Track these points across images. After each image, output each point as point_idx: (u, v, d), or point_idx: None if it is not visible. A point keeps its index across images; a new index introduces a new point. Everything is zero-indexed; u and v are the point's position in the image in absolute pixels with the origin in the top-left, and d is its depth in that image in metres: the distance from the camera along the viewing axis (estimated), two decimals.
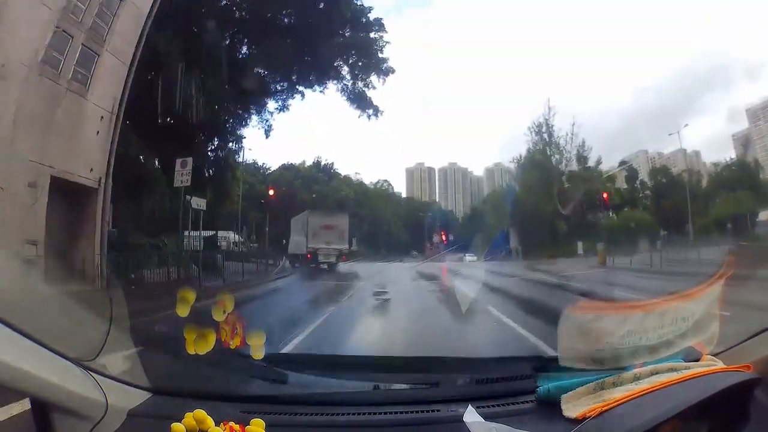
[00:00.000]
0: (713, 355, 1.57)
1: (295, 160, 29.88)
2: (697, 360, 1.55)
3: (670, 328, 1.52)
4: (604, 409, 1.30)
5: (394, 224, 28.39)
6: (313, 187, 27.31)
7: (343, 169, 29.56)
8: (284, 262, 18.76)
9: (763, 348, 1.50)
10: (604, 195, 25.06)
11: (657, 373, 1.44)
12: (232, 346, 1.64)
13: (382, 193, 29.94)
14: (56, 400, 1.24)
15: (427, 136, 37.89)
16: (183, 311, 1.67)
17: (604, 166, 26.66)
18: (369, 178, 30.65)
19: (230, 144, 20.53)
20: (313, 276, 16.93)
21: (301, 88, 21.42)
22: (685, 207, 23.44)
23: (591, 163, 25.99)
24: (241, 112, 19.65)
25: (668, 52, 34.21)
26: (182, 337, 1.61)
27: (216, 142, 19.21)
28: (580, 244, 24.03)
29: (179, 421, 1.33)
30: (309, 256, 16.85)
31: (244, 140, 21.50)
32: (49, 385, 1.20)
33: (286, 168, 28.84)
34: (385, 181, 31.12)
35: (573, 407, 1.38)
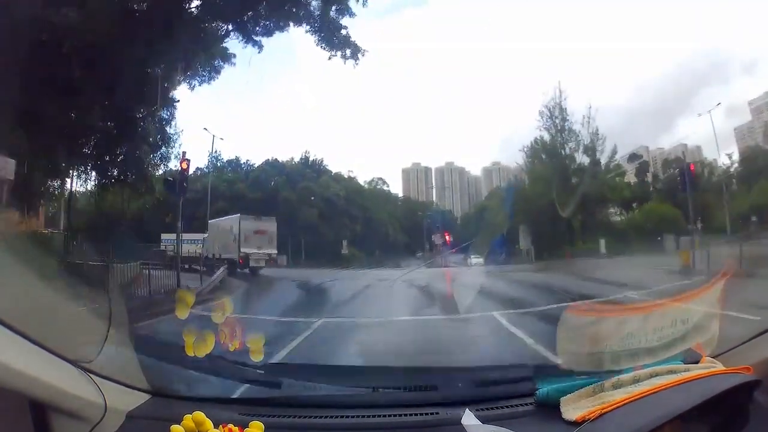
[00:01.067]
0: (713, 357, 1.57)
1: (285, 158, 26.84)
2: (697, 362, 1.55)
3: (670, 330, 1.52)
4: (603, 411, 1.29)
5: (390, 225, 26.26)
6: (298, 184, 24.36)
7: (335, 168, 26.53)
8: (221, 273, 14.27)
9: (763, 350, 1.50)
10: (691, 167, 20.65)
11: (656, 376, 1.43)
12: (231, 349, 1.64)
13: (377, 192, 27.60)
14: (55, 401, 1.23)
15: (423, 136, 37.28)
16: (182, 313, 1.67)
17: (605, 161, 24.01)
18: (363, 177, 27.86)
19: (153, 108, 14.20)
20: (246, 304, 11.07)
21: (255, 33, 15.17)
22: (706, 200, 20.91)
23: (606, 153, 23.21)
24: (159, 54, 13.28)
25: (665, 47, 33.79)
26: (181, 339, 1.62)
27: (119, 97, 12.62)
28: (602, 242, 20.98)
29: (178, 423, 1.33)
30: (241, 261, 16.62)
31: (176, 104, 15.89)
32: (48, 387, 1.20)
33: (270, 164, 25.68)
34: (380, 179, 28.08)
35: (572, 410, 1.38)
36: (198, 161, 25.29)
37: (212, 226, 19.11)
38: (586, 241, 21.46)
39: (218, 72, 16.29)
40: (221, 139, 22.24)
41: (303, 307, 10.58)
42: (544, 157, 23.31)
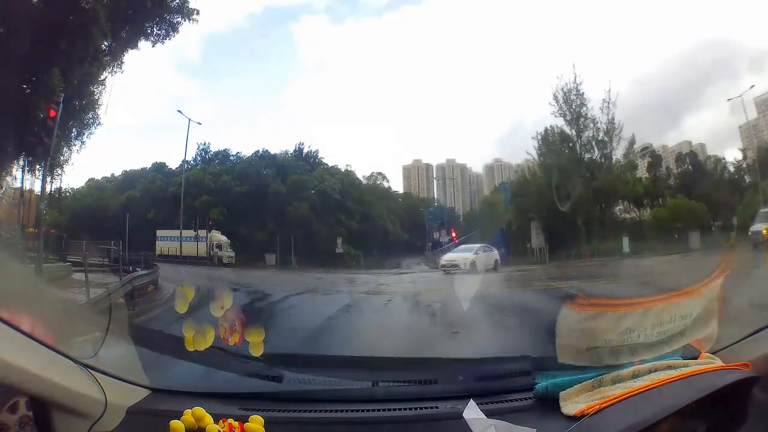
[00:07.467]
0: (712, 353, 1.57)
1: (278, 151, 25.02)
2: (696, 358, 1.55)
3: (669, 325, 1.52)
4: (602, 406, 1.30)
5: (390, 222, 24.54)
6: (290, 176, 22.63)
7: (332, 162, 24.75)
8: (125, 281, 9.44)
9: (761, 346, 1.50)
10: None
11: (655, 371, 1.44)
12: (231, 343, 1.65)
13: (376, 187, 26.02)
14: (56, 398, 1.23)
15: (424, 132, 36.72)
16: (182, 308, 1.67)
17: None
18: (362, 173, 26.06)
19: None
20: None
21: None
22: (730, 196, 19.40)
23: (623, 143, 21.09)
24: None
25: (668, 42, 33.12)
26: (181, 334, 1.62)
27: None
28: (626, 240, 19.03)
29: (178, 418, 1.34)
30: None
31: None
32: (49, 384, 1.20)
33: (260, 156, 23.92)
34: (380, 173, 26.43)
35: (571, 404, 1.39)
36: (188, 155, 24.26)
37: None
38: (604, 239, 19.51)
39: (175, 29, 14.69)
40: (199, 123, 20.51)
41: None
42: (558, 145, 21.10)
